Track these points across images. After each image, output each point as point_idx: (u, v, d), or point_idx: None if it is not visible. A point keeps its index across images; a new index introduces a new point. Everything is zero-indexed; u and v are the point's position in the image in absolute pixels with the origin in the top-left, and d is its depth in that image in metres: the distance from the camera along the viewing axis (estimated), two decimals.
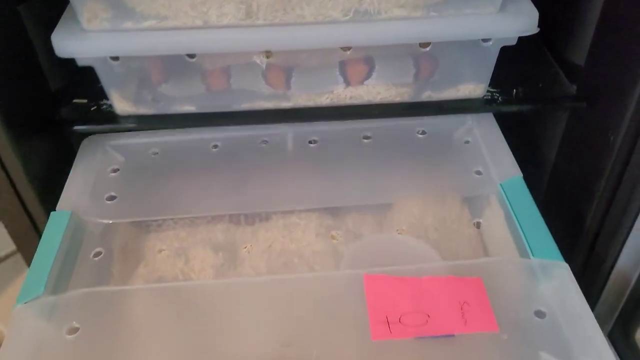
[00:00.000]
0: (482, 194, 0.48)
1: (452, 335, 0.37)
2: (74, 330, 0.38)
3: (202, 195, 0.48)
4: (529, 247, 0.42)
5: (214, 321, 0.39)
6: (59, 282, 0.41)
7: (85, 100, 0.51)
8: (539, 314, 0.38)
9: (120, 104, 0.49)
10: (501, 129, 0.53)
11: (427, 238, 0.45)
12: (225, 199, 0.48)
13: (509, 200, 0.46)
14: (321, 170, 0.51)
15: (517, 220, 0.44)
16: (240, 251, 0.46)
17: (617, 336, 0.56)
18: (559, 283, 0.39)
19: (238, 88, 0.49)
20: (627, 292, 0.53)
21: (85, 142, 0.53)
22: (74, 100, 0.52)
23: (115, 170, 0.51)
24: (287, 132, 0.54)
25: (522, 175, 0.48)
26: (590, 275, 0.53)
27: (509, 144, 0.52)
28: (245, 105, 0.50)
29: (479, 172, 0.49)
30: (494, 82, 0.51)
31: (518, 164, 0.49)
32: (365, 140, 0.53)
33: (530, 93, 0.52)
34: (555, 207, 0.56)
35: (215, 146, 0.53)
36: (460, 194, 0.48)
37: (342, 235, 0.47)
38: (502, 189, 0.47)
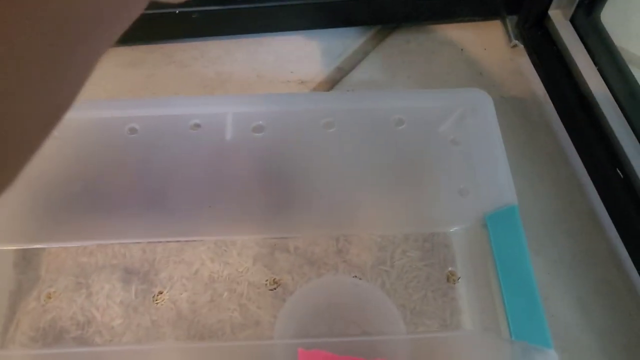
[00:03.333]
0: (463, 227, 0.38)
1: None
2: None
3: (110, 210, 0.38)
4: (510, 324, 0.33)
5: None
6: None
7: None
8: None
9: None
10: None
11: (385, 285, 0.37)
12: (139, 218, 0.38)
13: (493, 246, 0.36)
14: (267, 175, 0.40)
15: (500, 280, 0.35)
16: (159, 277, 0.37)
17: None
18: None
19: None
20: None
21: None
22: None
23: None
24: (226, 112, 0.42)
25: (517, 203, 0.38)
26: None
27: None
28: None
29: (463, 192, 0.39)
30: None
31: None
32: (329, 130, 0.42)
33: None
34: None
35: (133, 129, 0.41)
36: (435, 227, 0.39)
37: (285, 272, 0.37)
38: (488, 224, 0.37)
